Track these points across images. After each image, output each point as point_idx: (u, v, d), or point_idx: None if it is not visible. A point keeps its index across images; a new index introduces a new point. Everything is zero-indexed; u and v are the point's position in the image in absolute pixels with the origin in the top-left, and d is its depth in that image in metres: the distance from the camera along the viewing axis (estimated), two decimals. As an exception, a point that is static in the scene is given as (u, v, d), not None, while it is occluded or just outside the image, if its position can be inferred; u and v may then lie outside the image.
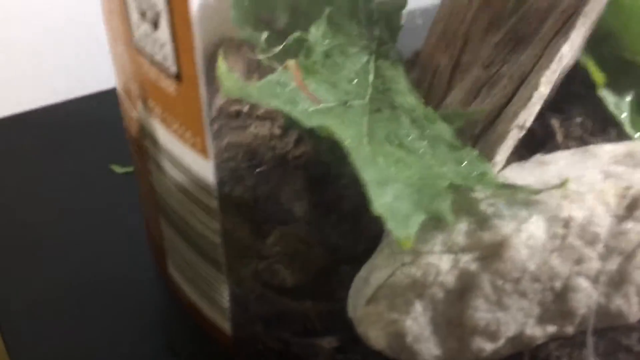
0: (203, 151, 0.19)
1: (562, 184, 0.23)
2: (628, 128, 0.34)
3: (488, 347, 0.23)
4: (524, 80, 0.30)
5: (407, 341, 0.22)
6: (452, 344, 0.23)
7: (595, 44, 0.36)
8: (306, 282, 0.25)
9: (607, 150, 0.28)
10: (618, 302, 0.24)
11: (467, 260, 0.23)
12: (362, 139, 0.26)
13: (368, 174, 0.20)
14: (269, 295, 0.24)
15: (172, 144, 0.20)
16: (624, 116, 0.35)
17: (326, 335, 0.24)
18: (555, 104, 0.35)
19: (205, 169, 0.19)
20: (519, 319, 0.23)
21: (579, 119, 0.34)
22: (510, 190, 0.24)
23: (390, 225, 0.18)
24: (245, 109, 0.28)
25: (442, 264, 0.22)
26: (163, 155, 0.21)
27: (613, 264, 0.24)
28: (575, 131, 0.34)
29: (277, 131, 0.28)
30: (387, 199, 0.20)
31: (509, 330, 0.23)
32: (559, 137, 0.33)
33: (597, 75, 0.35)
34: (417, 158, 0.25)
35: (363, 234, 0.26)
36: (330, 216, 0.26)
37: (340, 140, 0.21)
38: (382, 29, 0.33)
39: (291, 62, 0.25)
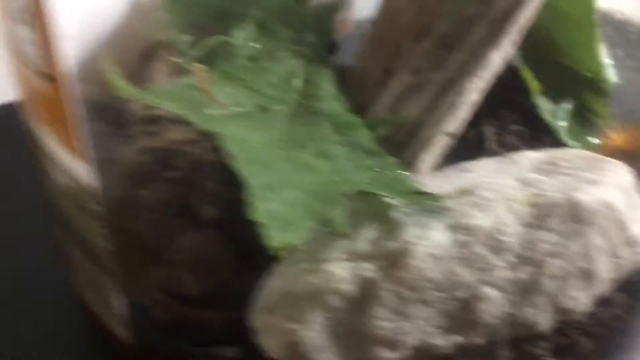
0: (81, 155, 0.18)
1: (465, 192, 0.23)
2: (564, 136, 0.34)
3: (391, 356, 0.23)
4: (451, 87, 0.30)
5: (305, 351, 0.22)
6: (353, 354, 0.22)
7: (535, 50, 0.36)
8: (212, 290, 0.24)
9: (529, 158, 0.28)
10: (528, 312, 0.24)
11: (369, 269, 0.22)
12: (276, 144, 0.25)
13: (256, 179, 0.20)
14: (172, 304, 0.24)
15: (55, 147, 0.19)
16: (562, 124, 0.34)
17: (230, 345, 0.23)
18: (492, 111, 0.34)
19: (85, 173, 0.19)
20: (424, 329, 0.23)
21: (515, 127, 0.34)
22: (416, 197, 0.24)
23: (268, 232, 0.18)
24: (164, 113, 0.28)
25: (342, 272, 0.22)
26: (50, 159, 0.20)
27: (523, 273, 0.24)
28: (510, 139, 0.33)
29: (194, 136, 0.27)
30: (271, 205, 0.19)
31: (413, 340, 0.23)
32: (493, 145, 0.33)
33: (533, 83, 0.34)
34: (330, 164, 0.25)
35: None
36: (241, 223, 0.26)
37: (226, 147, 0.21)
38: (315, 33, 0.33)
39: (196, 66, 0.25)
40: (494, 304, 0.23)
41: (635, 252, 0.25)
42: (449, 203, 0.24)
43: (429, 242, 0.22)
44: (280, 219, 0.19)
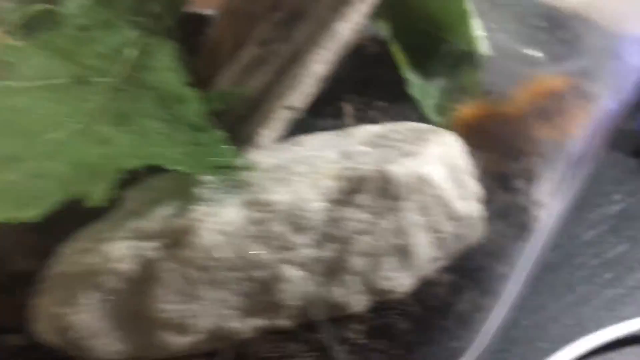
0: None
1: (248, 167, 0.22)
2: (431, 112, 0.32)
3: (179, 341, 0.21)
4: (295, 59, 0.28)
5: (78, 337, 0.20)
6: (136, 338, 0.21)
7: (407, 23, 0.34)
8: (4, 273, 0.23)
9: (366, 131, 0.26)
10: (338, 292, 0.23)
11: (152, 248, 0.21)
12: (76, 117, 0.24)
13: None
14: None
15: None
16: (430, 100, 0.33)
17: (14, 332, 0.22)
18: (359, 87, 0.33)
19: None
20: (217, 312, 0.21)
21: (380, 103, 0.33)
22: (220, 172, 0.22)
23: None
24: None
25: (121, 251, 0.20)
26: None
27: (329, 252, 0.22)
28: (373, 115, 0.32)
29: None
30: (11, 176, 0.18)
31: (206, 323, 0.21)
32: (351, 121, 0.32)
33: (400, 58, 0.33)
34: (134, 139, 0.24)
35: (75, 219, 0.24)
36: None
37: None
38: (162, 4, 0.31)
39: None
40: (297, 284, 0.22)
41: (459, 226, 0.24)
42: (253, 178, 0.22)
43: (217, 219, 0.21)
44: (20, 190, 0.17)
